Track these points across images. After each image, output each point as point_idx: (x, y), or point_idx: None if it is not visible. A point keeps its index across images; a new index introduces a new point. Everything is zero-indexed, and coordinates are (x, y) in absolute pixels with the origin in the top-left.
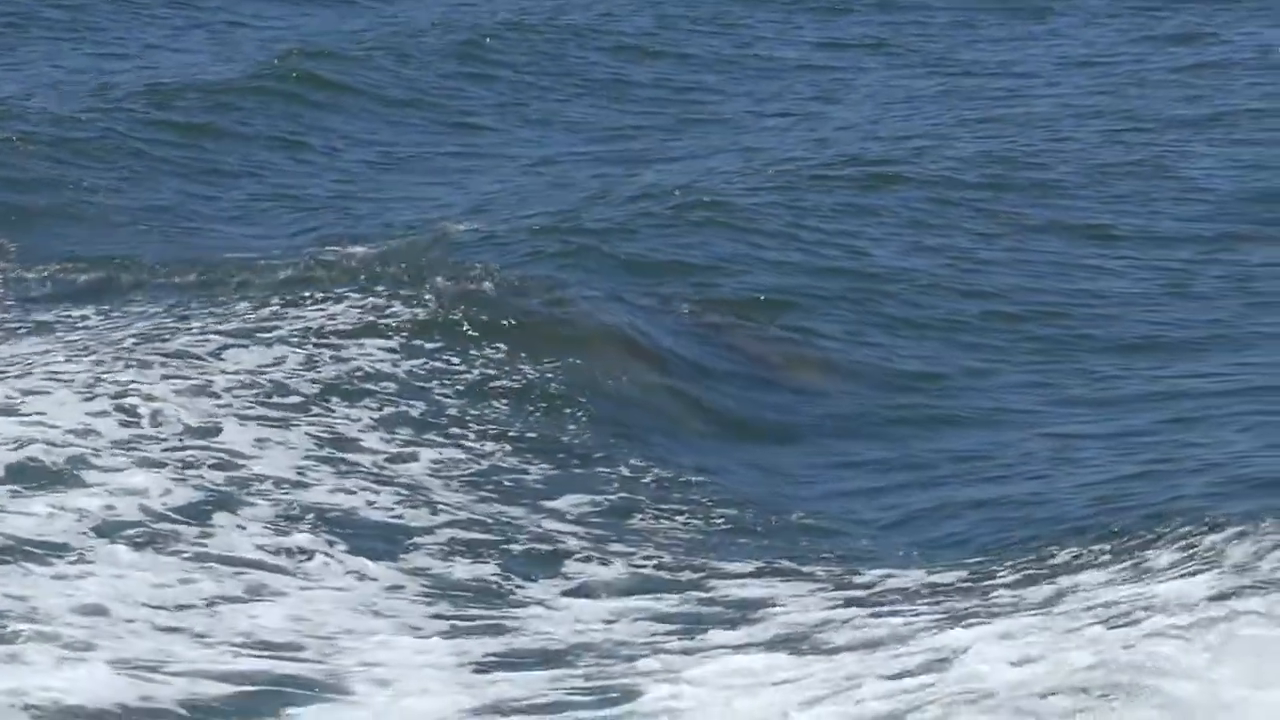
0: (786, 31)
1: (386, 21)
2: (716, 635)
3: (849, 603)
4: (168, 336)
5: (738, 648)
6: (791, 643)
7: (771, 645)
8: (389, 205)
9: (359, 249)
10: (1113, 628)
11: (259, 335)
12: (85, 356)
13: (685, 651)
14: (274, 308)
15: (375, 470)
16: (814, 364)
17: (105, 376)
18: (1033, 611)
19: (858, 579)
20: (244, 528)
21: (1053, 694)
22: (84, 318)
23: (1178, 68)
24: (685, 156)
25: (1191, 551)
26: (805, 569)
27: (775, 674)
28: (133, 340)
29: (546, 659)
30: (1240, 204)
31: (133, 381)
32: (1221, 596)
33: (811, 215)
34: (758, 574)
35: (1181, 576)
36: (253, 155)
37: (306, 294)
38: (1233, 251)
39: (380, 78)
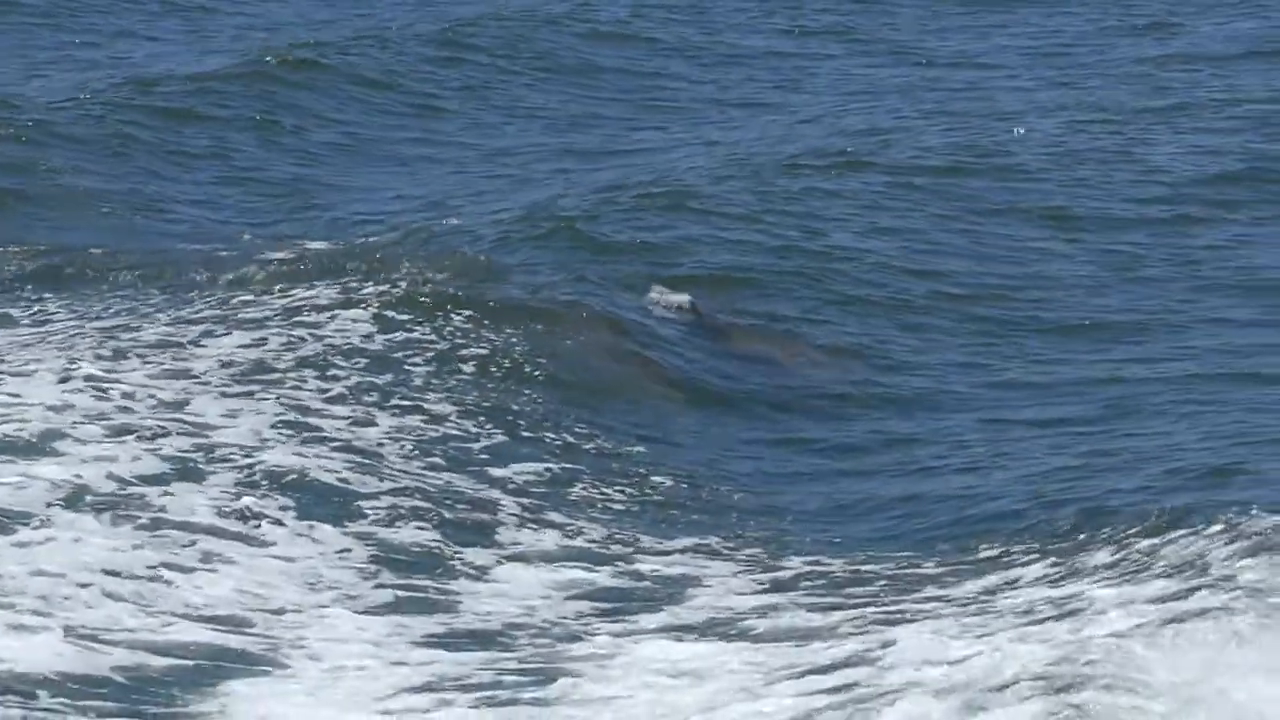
0: (758, 20)
1: (364, 10)
2: (648, 618)
3: (777, 588)
4: (142, 321)
5: (668, 631)
6: (720, 629)
7: (702, 631)
8: (366, 194)
9: (332, 237)
10: (1061, 623)
11: (233, 318)
12: (61, 340)
13: (618, 634)
14: (249, 294)
15: (335, 439)
16: (765, 338)
17: (80, 358)
18: (967, 606)
19: (787, 564)
20: (203, 493)
21: (1005, 689)
22: (58, 303)
23: (1143, 58)
24: (653, 143)
25: (1130, 549)
26: (736, 549)
27: (706, 663)
28: (108, 324)
29: (482, 639)
30: (1195, 187)
31: (108, 362)
32: (1174, 595)
33: (774, 200)
34: (689, 551)
35: (1124, 574)
36: (228, 143)
37: (281, 280)
38: (1183, 234)
39: (360, 65)
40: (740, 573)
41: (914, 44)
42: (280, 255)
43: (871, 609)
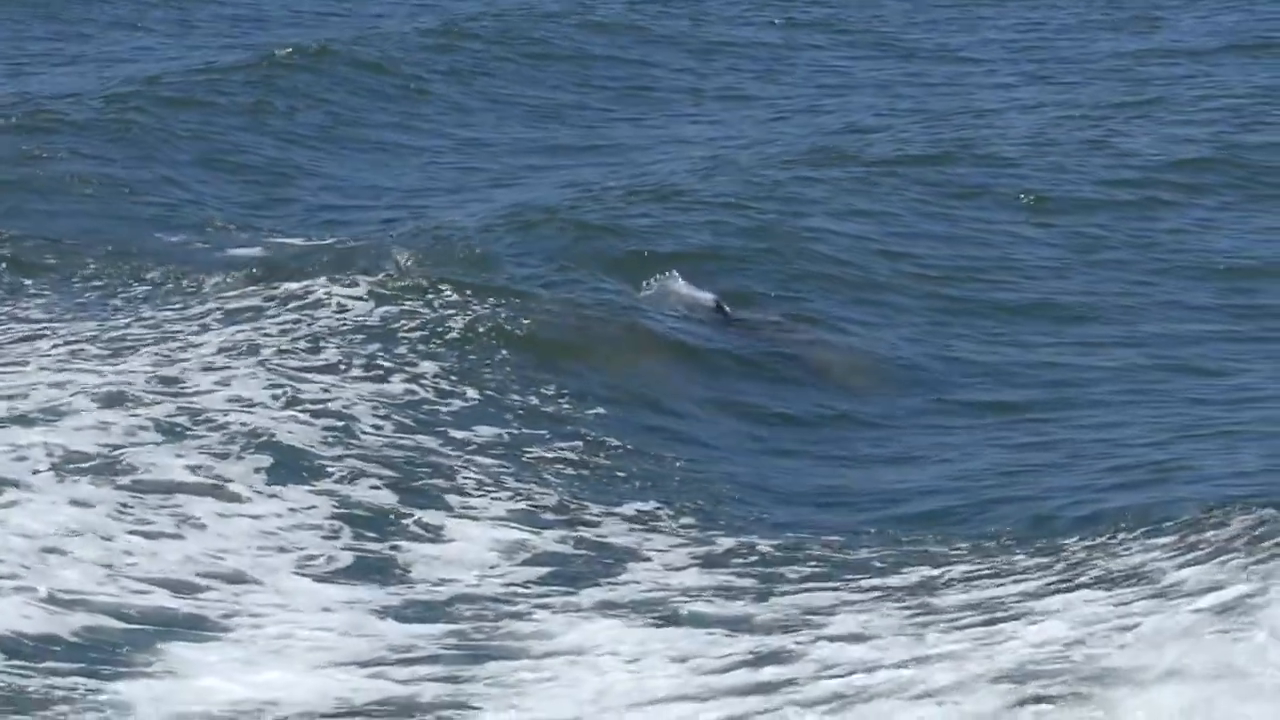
0: (749, 13)
1: (359, 3)
2: (588, 593)
3: (712, 564)
4: (140, 305)
5: (606, 610)
6: (658, 610)
7: (640, 612)
8: (363, 186)
9: (326, 227)
10: (1006, 624)
11: (228, 303)
12: (59, 323)
13: (558, 610)
14: (243, 281)
15: (313, 404)
16: (731, 309)
17: (78, 340)
18: (904, 601)
19: (723, 540)
20: (182, 458)
21: (959, 688)
22: (55, 289)
23: (1123, 52)
24: (643, 136)
25: (1073, 550)
26: (675, 520)
27: (642, 648)
28: (106, 308)
29: (428, 609)
30: (1165, 172)
31: (105, 343)
32: (1123, 598)
33: (757, 188)
34: (631, 521)
35: (1066, 575)
36: (224, 135)
37: (274, 267)
38: (1149, 219)
39: (358, 58)
40: (678, 546)
41: (901, 36)
42: (274, 244)
43: (805, 595)
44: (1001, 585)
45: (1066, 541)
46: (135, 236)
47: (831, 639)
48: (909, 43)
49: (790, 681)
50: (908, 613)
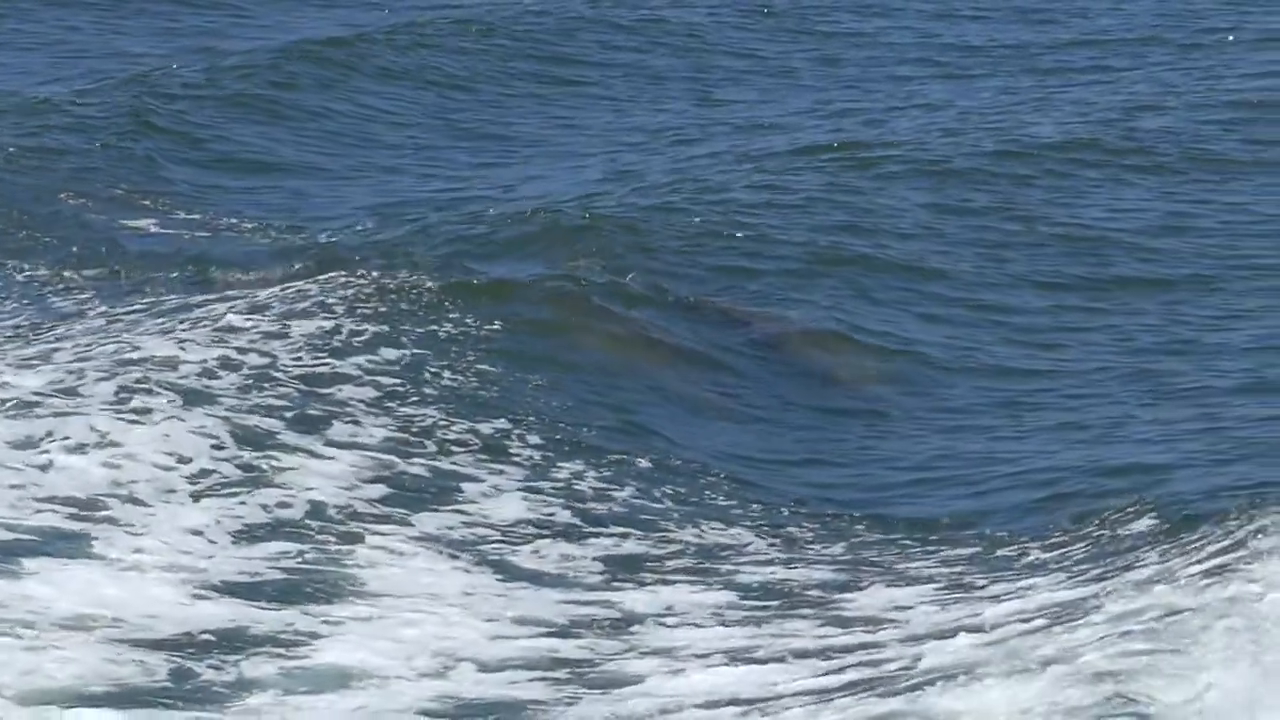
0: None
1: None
2: (425, 520)
3: (539, 495)
4: (108, 291)
5: (435, 544)
6: (482, 549)
7: (466, 549)
8: (351, 181)
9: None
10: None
11: (193, 286)
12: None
13: (394, 536)
14: (211, 272)
15: (246, 345)
16: (639, 265)
17: (50, 319)
18: (703, 579)
19: (558, 470)
20: (112, 391)
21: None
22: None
23: (1026, 40)
24: (554, 119)
25: (871, 546)
26: (521, 452)
27: (462, 591)
28: (81, 288)
29: (278, 532)
30: (1050, 148)
31: (78, 321)
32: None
33: (670, 171)
34: (486, 447)
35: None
36: (223, 131)
37: (207, 246)
38: (1025, 189)
39: (355, 56)
40: (520, 484)
41: (834, 22)
42: (212, 223)
43: (616, 545)
44: (805, 571)
45: (872, 536)
46: (126, 229)
47: (640, 618)
48: (830, 25)
49: (590, 662)
50: (710, 592)
